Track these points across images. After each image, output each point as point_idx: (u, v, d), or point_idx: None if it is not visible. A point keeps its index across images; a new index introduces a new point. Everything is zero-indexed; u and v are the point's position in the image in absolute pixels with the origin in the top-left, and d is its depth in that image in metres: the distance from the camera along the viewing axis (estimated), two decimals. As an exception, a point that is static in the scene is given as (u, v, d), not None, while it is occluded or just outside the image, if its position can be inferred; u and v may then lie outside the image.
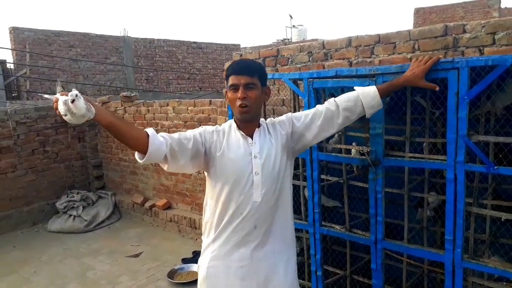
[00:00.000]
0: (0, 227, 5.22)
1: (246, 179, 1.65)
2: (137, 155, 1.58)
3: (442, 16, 12.33)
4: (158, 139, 1.55)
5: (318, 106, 1.82)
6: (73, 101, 1.37)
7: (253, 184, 1.65)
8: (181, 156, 1.62)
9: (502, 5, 12.26)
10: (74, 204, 5.50)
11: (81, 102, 1.39)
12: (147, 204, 5.36)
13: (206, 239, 1.79)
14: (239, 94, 1.64)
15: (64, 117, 1.42)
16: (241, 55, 3.61)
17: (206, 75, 13.91)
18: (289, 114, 1.84)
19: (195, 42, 13.72)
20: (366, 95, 1.78)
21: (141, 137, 1.52)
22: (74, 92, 1.39)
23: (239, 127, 1.73)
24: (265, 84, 1.74)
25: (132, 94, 5.70)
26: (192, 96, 9.56)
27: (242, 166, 1.66)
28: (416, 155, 2.07)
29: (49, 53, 9.92)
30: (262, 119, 1.80)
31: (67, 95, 1.41)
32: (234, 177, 1.65)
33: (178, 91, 12.73)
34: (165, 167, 1.65)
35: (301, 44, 3.24)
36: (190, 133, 1.69)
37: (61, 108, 1.40)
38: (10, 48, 9.50)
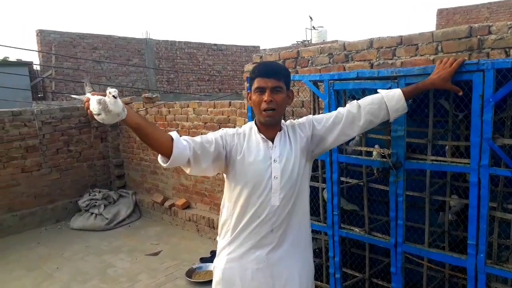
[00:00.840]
0: (25, 224, 5.38)
1: (265, 184, 1.64)
2: (160, 159, 1.58)
3: (466, 17, 12.06)
4: (181, 143, 1.55)
5: (340, 109, 1.79)
6: (115, 97, 1.35)
7: (271, 188, 1.64)
8: (204, 160, 1.61)
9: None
10: (96, 202, 5.62)
11: (119, 100, 1.37)
12: (167, 204, 5.44)
13: (222, 240, 1.79)
14: (265, 98, 1.62)
15: (96, 116, 1.38)
16: (261, 57, 3.63)
17: (226, 77, 13.99)
18: (310, 116, 1.82)
19: (215, 44, 13.82)
20: (391, 98, 1.74)
21: (165, 140, 1.52)
22: (114, 89, 1.36)
23: (260, 130, 1.71)
24: (289, 88, 1.73)
25: (154, 95, 5.79)
26: (212, 98, 9.65)
27: (262, 170, 1.65)
28: (439, 158, 2.04)
29: (73, 55, 10.17)
30: (282, 121, 1.78)
31: (99, 95, 1.39)
32: (254, 181, 1.65)
33: (198, 92, 12.86)
34: (187, 171, 1.65)
35: (322, 45, 3.23)
36: (211, 136, 1.68)
37: (95, 107, 1.37)
38: (36, 50, 9.78)
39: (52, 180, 5.71)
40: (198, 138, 1.64)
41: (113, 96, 1.35)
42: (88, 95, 1.42)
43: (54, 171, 5.74)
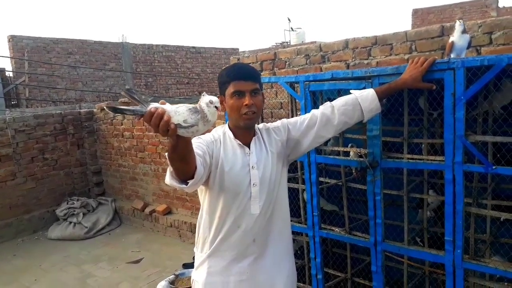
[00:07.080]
0: (0, 235, 5.21)
1: (245, 192, 1.58)
2: (175, 182, 1.39)
3: (440, 16, 12.36)
4: (198, 161, 1.40)
5: (314, 111, 1.77)
6: (216, 108, 1.25)
7: (251, 196, 1.59)
8: (205, 175, 1.50)
9: (500, 4, 12.30)
10: (74, 211, 5.49)
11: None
12: (147, 210, 5.36)
13: (200, 253, 1.72)
14: (246, 101, 1.56)
15: (188, 129, 1.19)
16: (238, 59, 3.61)
17: (205, 79, 13.93)
18: (284, 120, 1.79)
19: (193, 47, 13.75)
20: (365, 98, 1.74)
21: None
22: (215, 98, 1.25)
23: (235, 135, 1.65)
24: (262, 89, 1.70)
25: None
26: (191, 101, 9.56)
27: (241, 178, 1.58)
28: (415, 156, 2.06)
29: (48, 61, 9.94)
30: (255, 125, 1.72)
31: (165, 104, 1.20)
32: (233, 190, 1.58)
33: (177, 96, 12.75)
34: (189, 190, 1.45)
35: (298, 47, 3.24)
36: (200, 146, 1.55)
37: (188, 118, 1.19)
38: (9, 56, 9.52)
39: (27, 190, 5.55)
40: (198, 150, 1.47)
41: (215, 107, 1.25)
42: (155, 104, 1.17)
43: (29, 180, 5.57)
